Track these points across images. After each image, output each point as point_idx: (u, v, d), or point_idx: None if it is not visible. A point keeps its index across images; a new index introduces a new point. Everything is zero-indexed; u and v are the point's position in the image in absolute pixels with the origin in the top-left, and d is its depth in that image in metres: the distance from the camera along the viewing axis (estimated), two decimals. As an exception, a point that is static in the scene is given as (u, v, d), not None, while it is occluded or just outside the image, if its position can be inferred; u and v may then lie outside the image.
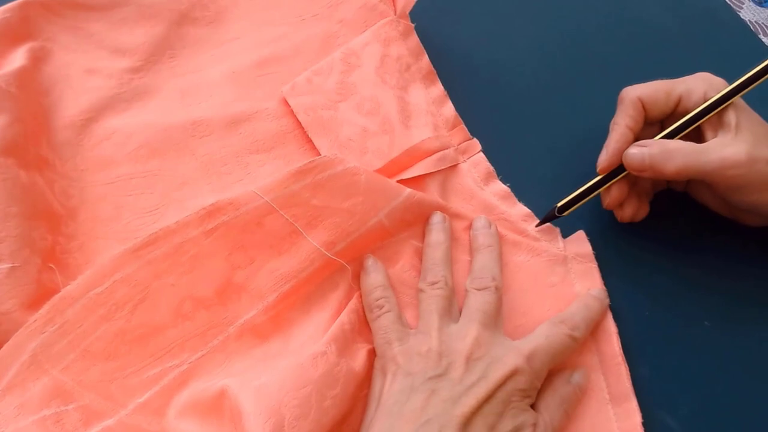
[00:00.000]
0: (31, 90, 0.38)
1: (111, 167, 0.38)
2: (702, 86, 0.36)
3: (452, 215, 0.37)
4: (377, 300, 0.34)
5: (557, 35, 0.46)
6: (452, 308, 0.34)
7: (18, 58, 0.38)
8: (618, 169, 0.36)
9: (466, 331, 0.32)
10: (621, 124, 0.37)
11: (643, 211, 0.38)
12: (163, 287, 0.32)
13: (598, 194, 0.38)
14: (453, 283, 0.35)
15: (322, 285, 0.35)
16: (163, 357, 0.32)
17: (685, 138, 0.36)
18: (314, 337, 0.32)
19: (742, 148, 0.33)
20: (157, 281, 0.32)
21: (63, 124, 0.38)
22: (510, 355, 0.31)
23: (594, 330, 0.35)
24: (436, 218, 0.37)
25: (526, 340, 0.33)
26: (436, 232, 0.36)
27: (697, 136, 0.36)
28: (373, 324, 0.34)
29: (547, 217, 0.38)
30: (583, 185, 0.37)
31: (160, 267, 0.32)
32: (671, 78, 0.38)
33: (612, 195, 0.37)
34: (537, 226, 0.38)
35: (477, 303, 0.33)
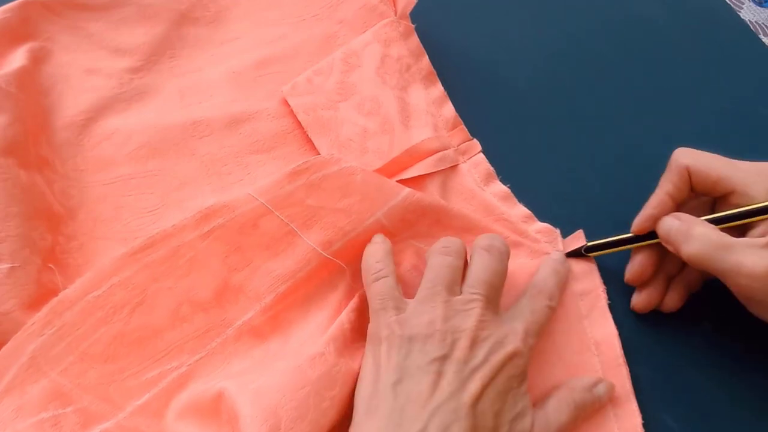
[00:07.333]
0: (31, 90, 0.38)
1: (111, 167, 0.38)
2: (762, 186, 0.32)
3: (453, 215, 0.37)
4: (376, 264, 0.33)
5: (557, 35, 0.46)
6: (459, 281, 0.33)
7: (18, 58, 0.38)
8: (651, 234, 0.34)
9: (470, 307, 0.31)
10: (662, 189, 0.34)
11: (671, 301, 0.35)
12: (160, 290, 0.32)
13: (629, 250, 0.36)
14: (467, 254, 0.34)
15: (320, 285, 0.35)
16: (161, 359, 0.32)
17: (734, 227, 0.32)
18: (314, 337, 0.32)
19: (764, 262, 0.29)
20: (155, 284, 0.32)
21: (63, 124, 0.38)
22: (509, 338, 0.31)
23: (596, 331, 0.35)
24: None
25: (514, 316, 0.32)
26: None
27: (744, 227, 0.32)
28: (369, 289, 0.32)
29: (574, 252, 0.37)
30: (616, 236, 0.36)
31: (157, 270, 0.32)
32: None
33: (633, 269, 0.35)
34: (567, 256, 0.37)
35: (481, 264, 0.32)
